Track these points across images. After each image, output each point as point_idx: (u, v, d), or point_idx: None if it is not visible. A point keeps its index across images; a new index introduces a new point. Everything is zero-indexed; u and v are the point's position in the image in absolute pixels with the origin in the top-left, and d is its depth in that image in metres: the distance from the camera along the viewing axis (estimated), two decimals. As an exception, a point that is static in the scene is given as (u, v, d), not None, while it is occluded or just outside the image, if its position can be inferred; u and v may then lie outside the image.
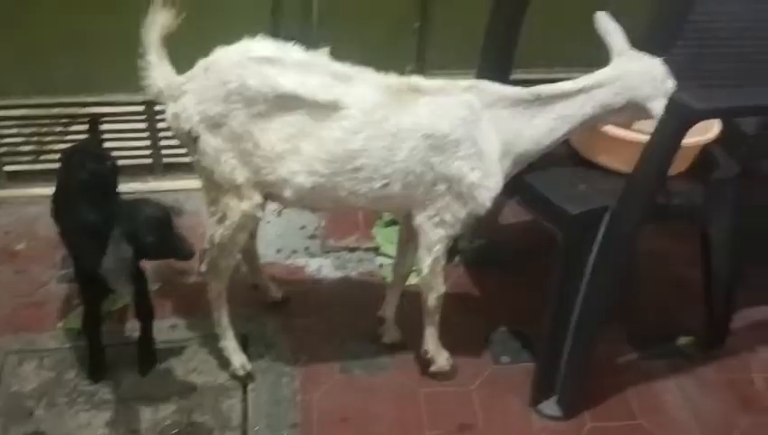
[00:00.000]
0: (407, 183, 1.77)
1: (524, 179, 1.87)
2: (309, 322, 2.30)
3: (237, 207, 1.81)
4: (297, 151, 1.72)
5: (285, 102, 1.70)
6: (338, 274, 2.50)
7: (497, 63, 2.16)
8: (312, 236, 2.63)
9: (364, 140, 1.71)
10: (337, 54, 1.82)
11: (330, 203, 1.84)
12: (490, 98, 1.77)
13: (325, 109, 1.70)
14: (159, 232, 1.71)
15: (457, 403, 2.05)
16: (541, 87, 1.78)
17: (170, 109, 1.77)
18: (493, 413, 2.03)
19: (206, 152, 1.76)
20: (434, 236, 1.86)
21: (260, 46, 1.73)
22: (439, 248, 1.88)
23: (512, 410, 2.04)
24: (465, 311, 2.33)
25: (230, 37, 1.77)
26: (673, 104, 1.55)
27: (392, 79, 1.77)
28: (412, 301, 2.12)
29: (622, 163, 1.82)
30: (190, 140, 1.76)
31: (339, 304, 2.37)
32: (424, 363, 2.11)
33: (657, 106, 1.71)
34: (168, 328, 2.23)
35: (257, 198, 1.81)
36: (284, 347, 2.19)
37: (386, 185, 1.76)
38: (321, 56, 1.77)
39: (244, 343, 2.18)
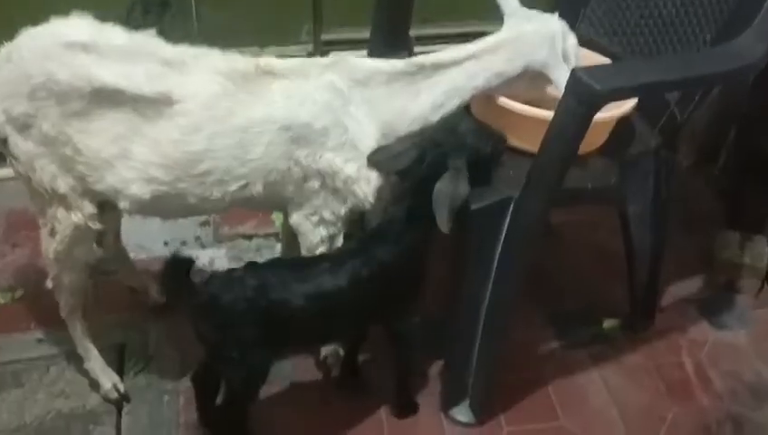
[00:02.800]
0: (270, 182, 1.51)
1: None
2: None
3: (66, 220, 1.53)
4: (127, 156, 1.45)
5: (106, 98, 1.42)
6: (233, 266, 2.23)
7: (393, 17, 1.90)
8: (204, 224, 2.37)
9: (207, 140, 1.44)
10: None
11: (181, 211, 1.58)
12: (360, 75, 1.51)
13: (156, 104, 1.42)
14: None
15: (363, 413, 1.84)
16: (422, 57, 1.54)
17: None
18: (401, 422, 1.82)
19: (18, 157, 1.48)
20: (314, 237, 1.62)
21: (71, 29, 1.43)
22: (323, 250, 1.64)
23: (421, 418, 1.84)
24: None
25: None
26: (573, 85, 1.31)
27: (237, 62, 1.50)
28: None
29: (529, 143, 1.59)
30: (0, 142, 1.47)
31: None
32: (326, 370, 1.89)
33: (556, 72, 1.49)
34: (33, 342, 1.96)
35: (89, 208, 1.53)
36: (168, 359, 1.93)
37: (244, 187, 1.50)
38: (149, 39, 1.48)
39: (121, 356, 1.93)
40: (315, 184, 1.53)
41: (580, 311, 2.13)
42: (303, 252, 1.65)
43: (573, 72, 1.31)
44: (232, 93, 1.45)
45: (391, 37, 1.71)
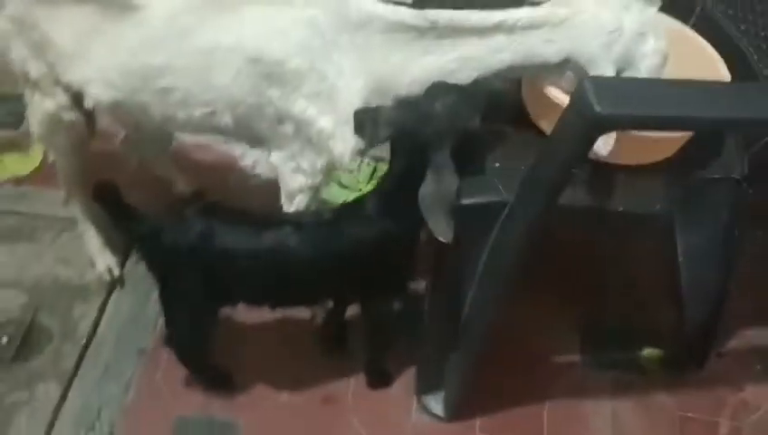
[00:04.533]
0: (240, 115, 1.36)
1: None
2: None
3: (39, 105, 1.49)
4: (88, 54, 1.35)
5: None
6: (273, 175, 2.12)
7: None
8: (263, 121, 2.25)
9: (166, 57, 1.30)
10: None
11: (152, 125, 1.46)
12: (353, 15, 1.28)
13: (118, 5, 1.29)
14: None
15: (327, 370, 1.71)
16: (438, 12, 1.25)
17: None
18: (368, 392, 1.69)
19: None
20: (293, 183, 1.46)
21: None
22: (302, 199, 1.48)
23: (390, 393, 1.69)
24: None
25: None
26: (576, 96, 0.99)
27: None
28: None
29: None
30: None
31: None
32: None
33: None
34: (59, 201, 1.94)
35: (62, 98, 1.47)
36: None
37: (211, 114, 1.36)
38: None
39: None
40: (289, 129, 1.36)
41: (619, 326, 1.83)
42: (282, 197, 1.51)
43: (582, 79, 0.99)
44: (197, 8, 1.30)
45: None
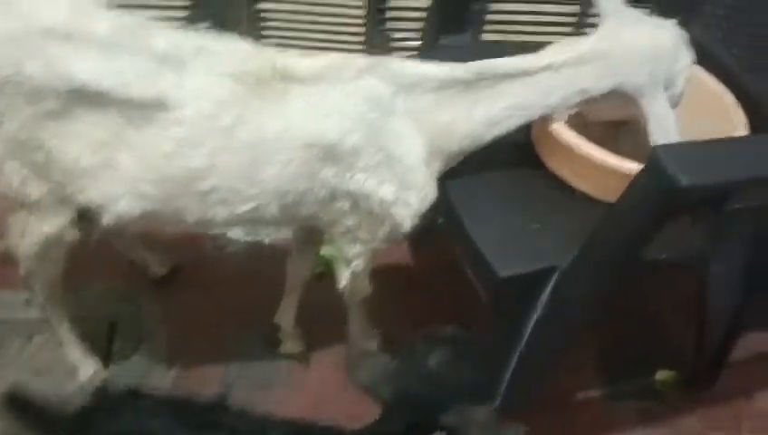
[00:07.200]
0: (288, 204, 1.26)
1: (451, 196, 1.33)
2: (198, 306, 1.85)
3: (38, 229, 1.32)
4: (113, 167, 1.20)
5: (87, 99, 1.15)
6: (248, 239, 2.01)
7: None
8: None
9: (209, 157, 1.18)
10: None
11: (176, 227, 1.33)
12: (405, 81, 1.22)
13: (145, 110, 1.15)
14: None
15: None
16: (484, 63, 1.22)
17: None
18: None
19: None
20: (350, 251, 1.38)
21: (50, 10, 1.15)
22: (359, 263, 1.40)
23: None
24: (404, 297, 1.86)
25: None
26: (652, 170, 0.96)
27: (249, 61, 1.20)
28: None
29: (598, 191, 1.28)
30: None
31: (242, 282, 1.89)
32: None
33: (650, 102, 1.19)
34: (20, 302, 1.77)
35: (67, 217, 1.30)
36: (161, 341, 1.76)
37: (255, 208, 1.24)
38: (139, 24, 1.19)
39: (111, 334, 1.76)
40: (345, 205, 1.28)
41: (634, 353, 1.83)
42: (338, 263, 1.44)
43: (655, 153, 0.95)
44: (241, 101, 1.18)
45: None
